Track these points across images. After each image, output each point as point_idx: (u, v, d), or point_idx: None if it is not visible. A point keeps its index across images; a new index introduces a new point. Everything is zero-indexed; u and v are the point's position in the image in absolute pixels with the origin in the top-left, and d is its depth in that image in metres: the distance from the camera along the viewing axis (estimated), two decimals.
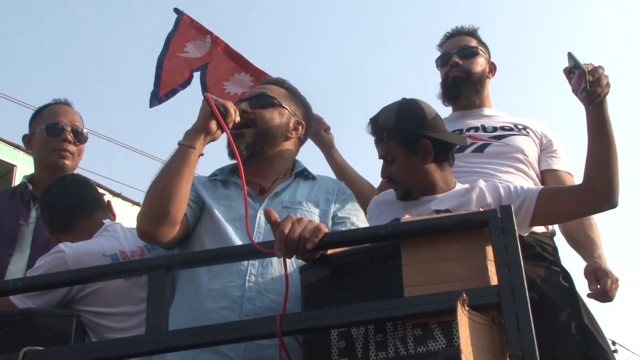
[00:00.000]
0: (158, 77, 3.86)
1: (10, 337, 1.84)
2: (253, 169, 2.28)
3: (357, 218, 2.28)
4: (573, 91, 2.19)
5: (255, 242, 2.04)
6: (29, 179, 3.16)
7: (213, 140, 2.17)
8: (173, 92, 3.87)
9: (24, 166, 16.08)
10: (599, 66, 2.18)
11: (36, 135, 3.08)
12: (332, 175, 2.68)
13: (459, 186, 2.45)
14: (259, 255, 1.89)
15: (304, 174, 2.36)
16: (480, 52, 3.11)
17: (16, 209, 3.01)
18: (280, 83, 2.47)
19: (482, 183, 2.40)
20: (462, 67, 3.05)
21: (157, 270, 1.78)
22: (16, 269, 2.79)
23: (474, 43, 3.13)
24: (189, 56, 3.92)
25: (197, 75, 3.91)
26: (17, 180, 19.09)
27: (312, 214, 2.22)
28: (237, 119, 2.18)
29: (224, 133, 2.17)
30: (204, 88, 3.87)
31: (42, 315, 1.88)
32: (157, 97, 3.85)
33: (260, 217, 2.17)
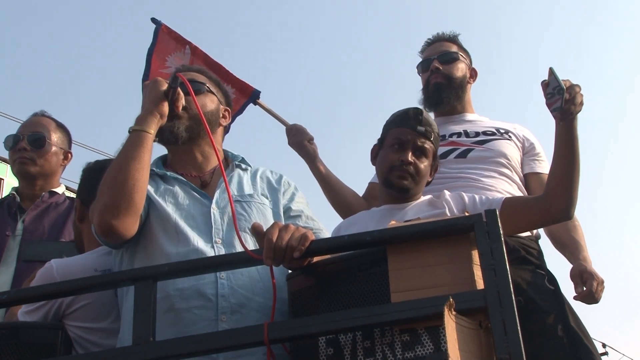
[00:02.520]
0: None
1: None
2: (189, 158, 2.20)
3: (308, 209, 2.26)
4: (547, 104, 2.24)
5: (217, 240, 2.01)
6: (17, 190, 3.15)
7: (162, 123, 2.08)
8: None
9: (10, 179, 15.97)
10: (576, 85, 2.23)
11: None
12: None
13: (424, 197, 2.54)
14: (249, 263, 1.86)
15: (240, 165, 2.29)
16: (461, 57, 3.13)
17: (3, 220, 2.99)
18: (203, 71, 2.41)
19: (446, 193, 2.47)
20: (442, 73, 3.06)
21: (143, 281, 1.75)
22: (2, 281, 2.76)
23: (454, 49, 3.15)
24: (171, 71, 3.89)
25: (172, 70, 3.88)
26: (4, 192, 19.01)
27: (264, 206, 2.16)
28: (183, 103, 2.13)
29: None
30: None
31: (28, 329, 1.85)
32: None
33: (215, 213, 2.09)
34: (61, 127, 3.23)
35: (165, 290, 1.95)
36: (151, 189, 2.11)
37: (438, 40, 3.19)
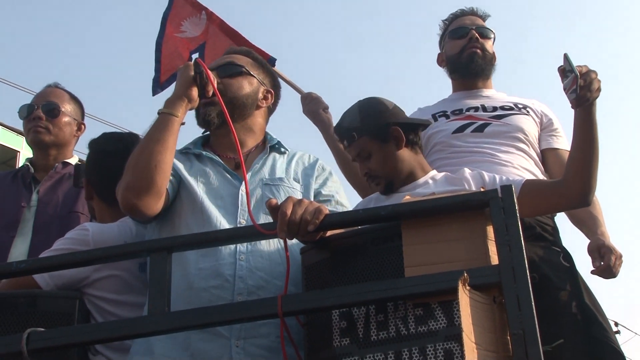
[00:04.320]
0: (158, 61, 3.84)
1: (14, 319, 1.85)
2: (225, 141, 2.23)
3: (340, 195, 2.26)
4: (564, 90, 2.23)
5: (242, 221, 2.04)
6: (31, 161, 3.19)
7: (192, 108, 2.13)
8: (174, 77, 3.84)
9: (26, 152, 16.11)
10: (592, 70, 2.21)
11: None
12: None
13: (435, 173, 2.51)
14: (260, 237, 1.89)
15: (278, 148, 2.32)
16: (493, 36, 3.12)
17: (18, 191, 3.03)
18: (246, 52, 2.43)
19: (466, 171, 2.45)
20: (481, 44, 3.05)
21: (159, 252, 1.78)
22: (18, 252, 2.80)
23: (488, 26, 3.14)
24: (186, 36, 3.89)
25: (195, 57, 3.88)
26: (20, 164, 19.13)
27: (294, 190, 2.18)
28: (215, 86, 2.15)
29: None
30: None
31: (45, 297, 1.89)
32: (159, 83, 3.83)
33: (243, 194, 2.12)
34: (74, 99, 3.26)
35: (187, 269, 2.01)
36: (184, 168, 2.17)
37: (473, 14, 3.16)
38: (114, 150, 2.48)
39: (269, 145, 2.30)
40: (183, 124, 2.10)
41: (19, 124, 3.31)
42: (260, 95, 2.32)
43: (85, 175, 2.56)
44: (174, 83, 2.17)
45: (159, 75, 3.83)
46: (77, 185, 2.80)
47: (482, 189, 1.76)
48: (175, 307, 1.79)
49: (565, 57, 2.21)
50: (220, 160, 2.21)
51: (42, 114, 3.11)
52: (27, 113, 3.14)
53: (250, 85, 2.30)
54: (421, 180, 2.47)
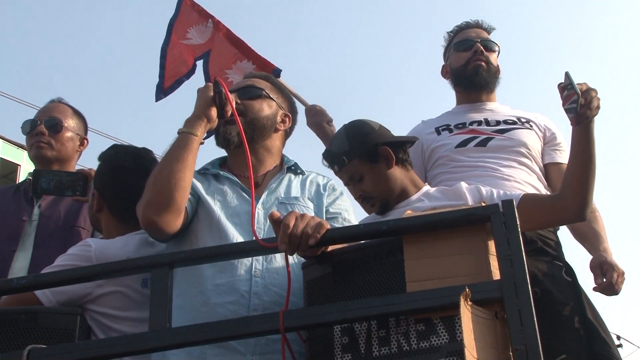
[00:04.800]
0: (162, 67, 3.85)
1: (15, 336, 1.84)
2: (244, 160, 2.23)
3: (348, 213, 2.29)
4: (563, 107, 2.26)
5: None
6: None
7: (211, 128, 2.17)
8: (178, 83, 3.85)
9: (27, 165, 16.16)
10: (592, 89, 2.24)
11: None
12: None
13: (428, 188, 2.53)
14: (262, 252, 1.90)
15: (294, 169, 2.36)
16: (497, 50, 3.13)
17: (19, 205, 3.04)
18: (265, 77, 2.49)
19: (463, 185, 2.44)
20: (486, 57, 3.05)
21: (160, 268, 1.78)
22: (20, 266, 2.80)
23: (493, 40, 3.14)
24: (192, 43, 3.90)
25: (199, 63, 3.90)
26: (21, 179, 19.25)
27: (308, 209, 2.21)
28: (234, 106, 2.18)
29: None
30: (207, 77, 3.86)
31: (46, 314, 1.89)
32: (163, 89, 3.84)
33: (259, 212, 2.17)
34: (77, 114, 3.28)
35: (203, 285, 2.04)
36: (202, 187, 2.21)
37: (478, 26, 3.17)
38: (132, 166, 2.49)
39: (286, 167, 2.34)
40: (202, 143, 2.14)
41: (21, 138, 3.33)
42: (279, 119, 2.37)
43: (96, 187, 2.55)
44: (195, 103, 2.18)
45: (162, 81, 3.85)
46: (36, 192, 2.85)
47: (482, 204, 1.76)
48: (192, 322, 1.82)
49: (567, 75, 2.23)
50: (237, 180, 2.25)
51: (44, 130, 3.12)
52: (30, 128, 3.15)
53: (269, 108, 2.35)
54: (414, 196, 2.49)
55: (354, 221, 2.29)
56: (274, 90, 2.42)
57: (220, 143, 2.31)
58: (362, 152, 2.47)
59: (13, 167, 19.54)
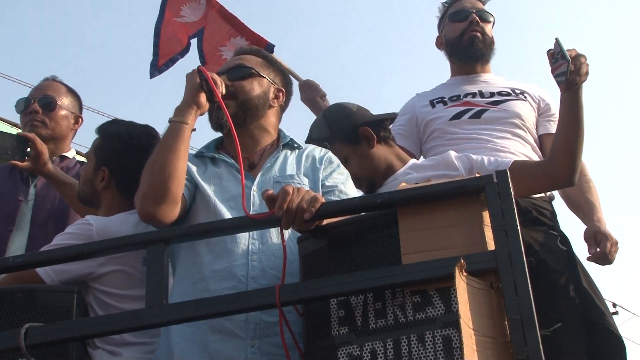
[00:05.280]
0: (156, 45, 3.83)
1: (12, 314, 1.84)
2: (239, 143, 2.21)
3: (345, 185, 2.25)
4: (552, 74, 2.28)
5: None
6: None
7: (202, 114, 2.16)
8: (172, 61, 3.84)
9: None
10: (581, 55, 2.26)
11: None
12: None
13: (415, 161, 2.55)
14: (256, 227, 1.89)
15: (290, 145, 2.33)
16: (493, 20, 3.10)
17: (15, 185, 3.03)
18: (255, 52, 2.44)
19: (452, 154, 2.45)
20: (481, 27, 3.03)
21: (155, 244, 1.78)
22: (16, 246, 2.81)
23: (488, 10, 3.11)
24: (185, 20, 3.88)
25: (194, 42, 3.88)
26: None
27: (303, 186, 2.16)
28: (224, 90, 2.17)
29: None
30: (201, 55, 3.85)
31: (43, 292, 1.88)
32: (157, 67, 3.82)
33: (255, 194, 2.15)
34: (71, 92, 3.26)
35: (202, 272, 2.04)
36: (198, 172, 2.20)
37: None
38: (142, 144, 2.46)
39: (282, 144, 2.31)
40: (194, 130, 2.13)
41: (15, 117, 3.30)
42: (272, 95, 2.34)
43: (104, 164, 2.50)
44: (184, 88, 2.16)
45: (157, 59, 3.83)
46: (22, 157, 2.73)
47: (477, 174, 1.75)
48: None
49: (557, 41, 2.24)
50: (233, 162, 2.23)
51: (38, 108, 3.10)
52: (24, 107, 3.13)
53: (260, 86, 2.31)
54: (400, 170, 2.50)
55: (352, 193, 2.27)
56: (264, 65, 2.37)
57: (213, 127, 2.29)
58: (343, 136, 2.49)
59: None
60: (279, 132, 2.37)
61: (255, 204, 2.12)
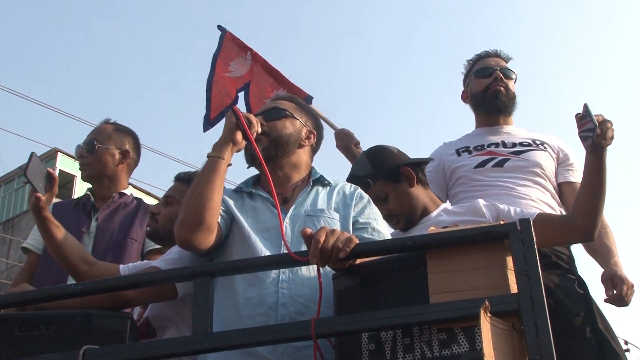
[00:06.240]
0: (208, 99, 3.89)
1: (71, 336, 1.85)
2: (272, 178, 2.23)
3: (377, 222, 2.23)
4: (579, 136, 2.29)
5: (283, 251, 2.04)
6: (91, 190, 3.23)
7: (238, 150, 2.17)
8: (223, 114, 3.88)
9: None
10: (608, 120, 2.26)
11: None
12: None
13: (447, 205, 2.54)
14: (295, 264, 1.89)
15: (321, 181, 2.32)
16: (515, 78, 3.11)
17: (79, 218, 3.07)
18: (290, 98, 2.49)
19: (481, 202, 2.43)
20: (505, 83, 3.04)
21: (202, 277, 1.78)
22: None
23: (511, 68, 3.13)
24: (233, 75, 3.94)
25: (241, 95, 3.94)
26: (76, 188, 19.61)
27: (334, 221, 2.18)
28: (259, 129, 2.20)
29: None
30: (248, 107, 3.89)
31: (99, 317, 1.89)
32: (209, 120, 3.87)
33: (287, 226, 2.15)
34: (119, 130, 3.24)
35: (236, 299, 2.04)
36: (236, 205, 2.21)
37: (496, 55, 3.16)
38: None
39: (312, 179, 2.31)
40: (230, 165, 2.14)
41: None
42: (303, 135, 2.35)
43: None
44: (223, 123, 2.21)
45: (209, 113, 3.88)
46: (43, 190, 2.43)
47: (501, 222, 1.74)
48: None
49: (585, 106, 2.25)
50: (268, 197, 2.23)
51: (83, 152, 3.17)
52: (76, 153, 3.24)
53: (293, 125, 2.33)
54: (434, 213, 2.48)
55: (383, 229, 2.24)
56: (297, 109, 2.40)
57: (247, 160, 2.31)
58: (385, 173, 2.47)
59: (70, 178, 19.91)
60: (311, 169, 2.37)
61: (288, 235, 2.12)
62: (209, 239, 2.06)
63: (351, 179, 2.52)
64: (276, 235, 2.11)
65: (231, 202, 2.21)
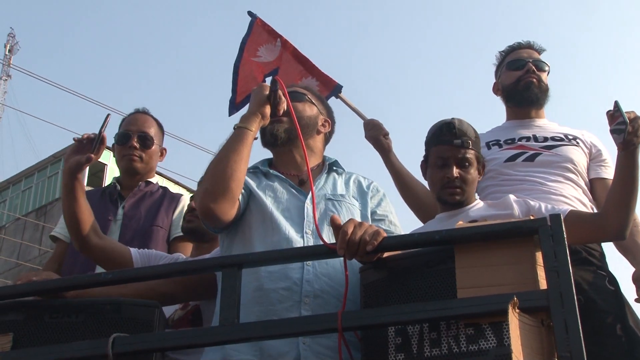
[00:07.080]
0: (235, 83, 3.89)
1: (101, 324, 1.89)
2: (289, 159, 2.27)
3: (393, 216, 2.27)
4: (611, 133, 2.27)
5: (308, 231, 2.07)
6: (118, 180, 3.28)
7: (264, 124, 2.19)
8: (249, 99, 3.89)
9: (113, 165, 16.64)
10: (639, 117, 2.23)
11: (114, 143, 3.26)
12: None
13: (479, 201, 2.52)
14: (326, 255, 1.89)
15: (336, 167, 2.36)
16: (548, 69, 3.08)
17: (106, 206, 3.12)
18: (307, 88, 2.53)
19: (512, 197, 2.43)
20: (537, 75, 3.01)
21: (230, 268, 1.80)
22: None
23: (544, 60, 3.10)
24: (262, 60, 3.94)
25: (268, 80, 3.93)
26: (107, 177, 19.86)
27: (353, 207, 2.21)
28: (285, 107, 2.22)
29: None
30: None
31: (128, 305, 1.93)
32: (235, 104, 3.88)
33: (308, 207, 2.15)
34: (159, 126, 3.32)
35: (258, 272, 2.03)
36: (253, 184, 2.22)
37: (530, 47, 3.12)
38: None
39: (328, 164, 2.35)
40: (256, 138, 2.16)
41: (108, 139, 3.35)
42: (320, 122, 2.39)
43: None
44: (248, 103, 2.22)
45: (235, 97, 3.88)
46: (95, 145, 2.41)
47: (532, 217, 1.73)
48: (245, 305, 1.84)
49: (616, 103, 2.23)
50: (285, 177, 2.26)
51: (136, 144, 3.17)
52: (124, 140, 3.20)
53: (311, 110, 2.38)
54: (473, 203, 2.49)
55: (398, 222, 2.27)
56: (315, 97, 2.45)
57: (267, 140, 2.31)
58: (479, 151, 2.50)
59: (100, 167, 20.18)
60: (324, 157, 2.40)
61: (309, 216, 2.13)
62: (232, 210, 2.07)
63: (455, 126, 2.44)
64: (297, 215, 2.13)
65: (249, 180, 2.22)
